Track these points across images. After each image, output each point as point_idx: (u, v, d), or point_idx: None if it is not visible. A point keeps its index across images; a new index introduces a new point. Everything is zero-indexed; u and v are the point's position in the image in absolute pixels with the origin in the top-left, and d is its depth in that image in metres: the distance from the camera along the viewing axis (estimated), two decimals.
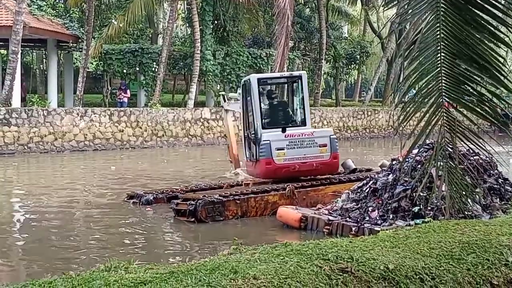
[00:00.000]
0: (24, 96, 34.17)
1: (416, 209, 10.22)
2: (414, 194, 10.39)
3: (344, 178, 14.40)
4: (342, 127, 39.04)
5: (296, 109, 15.50)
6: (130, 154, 27.92)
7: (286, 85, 15.82)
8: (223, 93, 19.23)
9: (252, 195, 12.90)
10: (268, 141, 13.91)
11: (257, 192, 13.06)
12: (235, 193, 12.90)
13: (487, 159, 10.62)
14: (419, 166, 10.79)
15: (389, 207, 10.58)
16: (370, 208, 10.88)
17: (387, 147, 33.85)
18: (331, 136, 14.45)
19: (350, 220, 10.83)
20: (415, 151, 10.23)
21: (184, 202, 12.61)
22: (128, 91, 34.65)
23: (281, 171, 13.94)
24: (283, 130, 14.16)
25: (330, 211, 11.62)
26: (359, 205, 11.24)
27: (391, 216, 10.43)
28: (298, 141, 14.05)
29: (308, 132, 14.39)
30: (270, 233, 11.79)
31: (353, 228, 10.36)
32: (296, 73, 16.51)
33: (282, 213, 12.00)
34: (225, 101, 18.21)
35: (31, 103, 28.52)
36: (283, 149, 13.94)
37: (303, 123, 14.97)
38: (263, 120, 14.69)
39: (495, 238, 5.15)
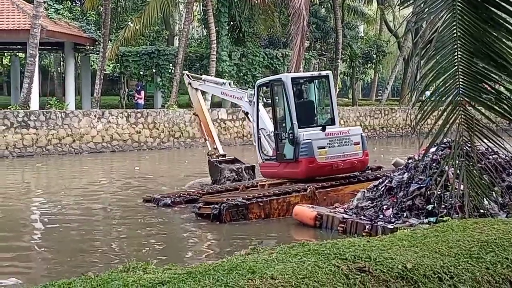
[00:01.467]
0: None
1: (430, 207, 10.20)
2: (428, 192, 10.37)
3: (363, 177, 14.38)
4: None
5: (323, 108, 15.56)
6: (148, 155, 28.03)
7: (312, 84, 15.72)
8: (186, 72, 19.14)
9: (274, 197, 12.90)
10: (310, 140, 13.84)
11: (279, 194, 13.05)
12: (258, 195, 12.90)
13: (507, 157, 10.55)
14: (434, 164, 10.76)
15: (404, 205, 10.58)
16: (384, 207, 10.89)
17: (405, 146, 33.70)
18: (362, 134, 14.64)
19: (364, 218, 10.84)
20: (432, 149, 10.18)
21: (207, 206, 12.62)
22: (142, 92, 34.76)
23: (324, 169, 13.98)
24: (323, 129, 14.18)
25: (346, 210, 11.63)
26: (374, 203, 11.24)
27: (405, 214, 10.42)
28: (338, 140, 14.12)
29: (345, 131, 14.59)
30: (288, 232, 11.81)
31: (367, 226, 10.39)
32: (323, 72, 16.51)
33: (298, 212, 12.04)
34: (190, 78, 18.17)
35: (49, 105, 28.72)
36: (324, 148, 13.97)
37: (332, 121, 14.97)
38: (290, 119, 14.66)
39: None
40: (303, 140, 13.86)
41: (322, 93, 15.69)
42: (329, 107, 15.29)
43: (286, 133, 14.30)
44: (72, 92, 33.91)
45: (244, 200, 12.50)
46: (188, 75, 18.46)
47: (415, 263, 4.42)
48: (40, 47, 28.52)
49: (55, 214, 13.71)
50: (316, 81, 15.75)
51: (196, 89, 18.13)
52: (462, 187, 6.52)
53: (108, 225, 12.62)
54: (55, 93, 40.96)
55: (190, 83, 18.16)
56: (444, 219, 8.37)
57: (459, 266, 4.55)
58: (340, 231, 10.77)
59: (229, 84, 16.92)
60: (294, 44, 29.10)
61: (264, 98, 16.75)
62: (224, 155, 17.23)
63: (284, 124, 14.58)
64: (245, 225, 12.14)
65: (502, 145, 5.92)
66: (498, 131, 6.06)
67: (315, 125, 14.60)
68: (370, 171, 15.33)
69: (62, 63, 42.74)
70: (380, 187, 11.57)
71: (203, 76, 19.83)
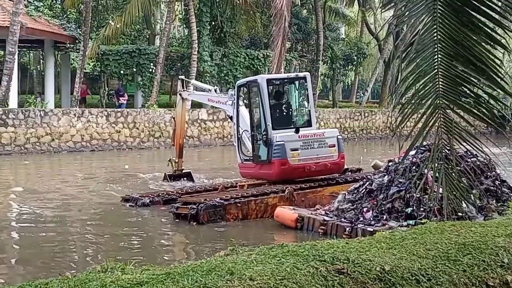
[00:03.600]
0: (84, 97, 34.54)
1: (409, 210, 10.28)
2: (408, 195, 10.45)
3: (341, 179, 14.43)
4: (339, 128, 38.95)
5: (302, 110, 15.55)
6: (127, 154, 27.91)
7: (289, 86, 15.76)
8: (182, 77, 18.99)
9: (252, 198, 12.89)
10: (283, 142, 13.87)
11: (257, 195, 13.05)
12: (236, 196, 12.89)
13: (485, 161, 10.65)
14: (413, 167, 10.84)
15: (383, 208, 10.65)
16: (365, 209, 10.96)
17: (384, 148, 33.86)
18: (338, 137, 14.58)
19: (344, 220, 10.90)
20: (411, 152, 10.26)
21: (185, 206, 12.59)
22: (125, 94, 34.60)
23: (296, 171, 13.99)
24: (297, 131, 14.16)
25: (327, 212, 11.67)
26: (355, 205, 11.31)
27: (384, 216, 10.49)
28: (311, 142, 14.11)
29: (319, 133, 14.56)
30: (268, 234, 11.81)
31: (347, 229, 10.45)
32: (301, 74, 16.52)
33: (279, 214, 12.05)
34: (183, 87, 18.14)
35: (27, 103, 28.50)
36: (297, 150, 13.96)
37: (309, 123, 14.97)
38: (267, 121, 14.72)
39: (491, 240, 5.15)
40: (276, 141, 13.93)
41: (300, 94, 15.70)
42: (307, 108, 15.25)
43: (261, 135, 14.37)
44: (51, 91, 33.63)
45: (222, 201, 12.48)
46: (183, 83, 18.30)
47: (393, 265, 4.43)
48: (19, 44, 28.27)
49: (32, 213, 13.59)
50: (296, 82, 15.79)
51: (183, 99, 18.03)
52: (441, 190, 6.57)
53: (85, 225, 12.53)
54: (34, 91, 40.60)
55: (180, 92, 18.09)
56: (423, 221, 8.44)
57: (436, 268, 4.58)
58: (320, 233, 10.81)
59: (215, 90, 16.96)
60: (275, 45, 29.17)
61: (244, 99, 16.78)
62: (181, 170, 17.78)
63: (259, 125, 14.62)
64: (224, 226, 12.12)
65: (481, 148, 5.97)
66: (476, 134, 6.10)
67: (292, 126, 14.59)
68: (349, 173, 15.39)
69: (41, 61, 42.43)
70: (360, 190, 11.63)
71: (192, 81, 19.80)
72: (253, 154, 14.72)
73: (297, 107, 15.73)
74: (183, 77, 19.03)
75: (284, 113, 15.09)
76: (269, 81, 14.85)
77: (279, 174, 14.07)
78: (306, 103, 15.27)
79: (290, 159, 13.87)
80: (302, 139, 14.04)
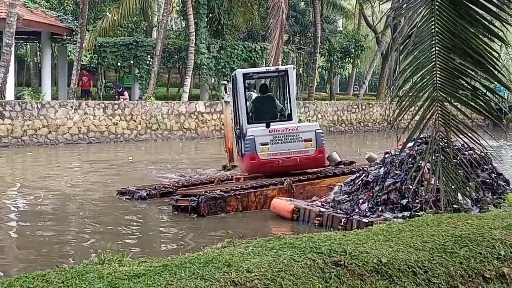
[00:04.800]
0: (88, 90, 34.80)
1: (404, 201, 10.31)
2: (403, 187, 10.48)
3: (339, 171, 14.44)
4: (336, 121, 39.10)
5: (283, 104, 15.49)
6: (124, 147, 27.89)
7: (276, 79, 15.75)
8: (225, 82, 18.85)
9: (252, 190, 12.92)
10: (253, 136, 13.95)
11: (256, 187, 13.07)
12: (236, 188, 12.91)
13: (482, 153, 10.67)
14: (410, 159, 10.86)
15: (379, 200, 10.69)
16: (360, 200, 10.99)
17: (381, 140, 33.90)
18: (317, 131, 14.27)
19: (340, 211, 10.92)
20: (409, 144, 10.27)
21: (185, 198, 12.59)
22: (125, 93, 34.54)
23: (265, 166, 14.02)
24: (267, 125, 14.13)
25: (323, 203, 11.71)
26: (351, 197, 11.34)
27: (380, 208, 10.52)
28: (282, 136, 14.02)
29: (292, 127, 14.30)
30: (265, 226, 11.83)
31: (342, 220, 10.46)
32: (282, 67, 16.39)
33: (276, 205, 12.07)
34: (226, 91, 18.04)
35: (23, 95, 28.45)
36: (267, 144, 13.97)
37: (289, 117, 14.90)
38: (252, 114, 14.80)
39: (487, 232, 5.17)
40: (248, 136, 14.04)
41: (281, 88, 15.67)
42: (288, 102, 15.13)
43: (238, 129, 14.56)
44: (48, 83, 33.54)
45: (222, 193, 12.50)
46: (225, 88, 17.90)
47: (390, 257, 4.45)
48: (16, 36, 28.15)
49: (29, 205, 13.59)
50: (276, 76, 15.73)
51: (226, 102, 17.86)
52: (437, 182, 6.58)
53: (83, 218, 12.52)
54: (31, 83, 40.52)
55: (223, 97, 18.11)
56: (419, 213, 8.46)
57: (433, 260, 4.59)
58: (316, 224, 10.85)
59: None
60: (272, 37, 29.09)
61: None
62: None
63: (238, 119, 14.80)
64: (221, 218, 12.13)
65: (478, 141, 5.98)
66: (473, 127, 6.12)
67: (270, 120, 14.52)
68: (343, 166, 15.42)
69: (38, 53, 42.32)
70: (357, 181, 11.66)
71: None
72: (237, 147, 14.99)
73: (280, 100, 15.63)
74: (225, 82, 18.91)
75: (266, 107, 15.08)
76: (245, 75, 14.87)
77: (250, 168, 14.25)
78: (288, 97, 15.11)
79: (259, 154, 13.92)
80: (272, 133, 14.02)
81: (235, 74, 14.89)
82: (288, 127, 14.29)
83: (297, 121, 15.60)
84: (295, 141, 14.04)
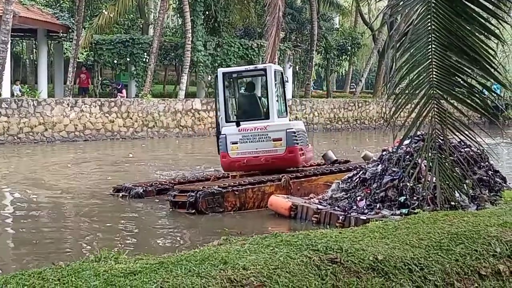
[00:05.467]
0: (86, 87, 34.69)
1: (402, 199, 10.32)
2: (401, 184, 10.49)
3: (336, 169, 14.44)
4: (333, 119, 39.14)
5: (262, 102, 15.41)
6: (120, 144, 27.87)
7: (251, 78, 15.77)
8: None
9: (249, 186, 12.93)
10: (225, 135, 14.15)
11: (254, 183, 13.08)
12: (234, 184, 12.92)
13: (478, 151, 10.69)
14: (407, 157, 10.88)
15: (377, 197, 10.69)
16: (358, 198, 10.99)
17: (378, 138, 33.94)
18: (288, 130, 14.05)
19: (338, 209, 10.93)
20: (406, 142, 10.29)
21: (183, 194, 12.59)
22: (123, 90, 34.51)
23: (235, 164, 14.13)
24: (237, 124, 14.21)
25: (321, 201, 11.71)
26: (348, 194, 11.34)
27: (378, 205, 10.53)
28: (251, 135, 14.06)
29: (261, 126, 14.20)
30: (262, 223, 11.83)
31: (340, 217, 10.47)
32: (260, 65, 16.35)
33: (273, 202, 12.06)
34: None
35: (21, 93, 28.41)
36: (236, 143, 14.08)
37: (267, 116, 14.71)
38: (233, 113, 14.91)
39: (483, 229, 5.17)
40: (221, 134, 14.26)
41: (261, 87, 15.65)
42: (268, 101, 14.91)
43: (218, 127, 14.71)
44: (44, 80, 33.50)
45: (220, 189, 12.50)
46: None
47: (386, 255, 4.45)
48: (12, 33, 28.12)
49: (25, 202, 13.57)
50: (256, 75, 15.69)
51: None
52: (434, 179, 6.59)
53: (79, 215, 12.51)
54: (27, 80, 40.44)
55: None
56: (416, 211, 8.47)
57: (429, 257, 4.60)
58: (314, 221, 10.84)
59: None
60: (269, 34, 28.99)
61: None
62: None
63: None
64: (219, 216, 12.13)
65: (474, 138, 5.99)
66: (470, 125, 6.13)
67: (248, 119, 14.53)
68: (338, 164, 15.44)
69: (34, 50, 42.22)
70: (354, 179, 11.66)
71: None
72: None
73: (257, 99, 15.46)
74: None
75: (247, 106, 15.06)
76: (225, 74, 14.92)
77: (224, 166, 14.46)
78: (266, 95, 14.90)
79: (230, 152, 14.08)
80: (242, 132, 14.08)
81: (216, 73, 14.96)
82: (257, 126, 14.22)
83: (288, 119, 15.57)
84: (264, 141, 14.03)
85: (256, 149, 14.00)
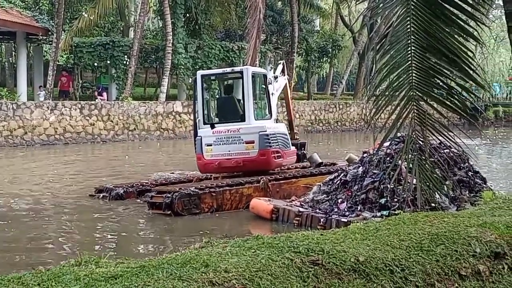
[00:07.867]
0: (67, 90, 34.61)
1: (383, 200, 10.36)
2: (382, 186, 10.53)
3: (316, 171, 14.46)
4: (314, 120, 39.23)
5: (239, 105, 15.34)
6: (101, 148, 27.72)
7: (229, 81, 15.79)
8: (282, 61, 18.19)
9: (227, 187, 12.91)
10: (200, 137, 14.24)
11: (232, 185, 13.07)
12: (211, 185, 12.90)
13: (458, 152, 10.76)
14: (388, 158, 10.92)
15: (358, 199, 10.73)
16: (339, 200, 11.02)
17: (359, 140, 34.06)
18: (261, 133, 13.99)
19: (319, 211, 10.95)
20: (386, 144, 10.34)
21: (159, 195, 12.56)
22: (105, 93, 34.28)
23: (210, 166, 14.20)
24: (212, 126, 14.25)
25: (302, 203, 11.72)
26: (330, 197, 11.37)
27: (359, 207, 10.57)
28: (224, 138, 14.11)
29: (234, 129, 14.21)
30: (244, 226, 11.82)
31: (321, 220, 10.49)
32: (237, 68, 16.33)
33: (255, 205, 12.06)
34: (283, 73, 17.17)
35: None
36: (210, 145, 14.14)
37: (242, 118, 14.57)
38: (211, 115, 14.94)
39: (463, 230, 5.20)
40: (197, 136, 14.38)
41: (239, 89, 15.64)
42: (245, 103, 14.71)
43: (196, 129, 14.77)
44: (24, 83, 33.20)
45: (196, 190, 12.48)
46: (283, 69, 17.17)
47: (367, 256, 4.46)
48: None
49: (3, 207, 13.44)
50: (236, 77, 15.67)
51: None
52: (414, 181, 6.62)
53: (59, 218, 12.43)
54: (6, 83, 40.08)
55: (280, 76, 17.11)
56: (396, 212, 8.51)
57: (410, 258, 4.61)
58: (295, 224, 10.85)
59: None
60: (250, 37, 29.06)
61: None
62: (297, 139, 17.18)
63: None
64: (199, 218, 12.11)
65: (454, 140, 6.03)
66: (449, 126, 6.16)
67: (224, 121, 14.57)
68: (324, 167, 15.44)
69: (14, 53, 41.85)
70: (335, 181, 11.69)
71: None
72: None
73: (235, 101, 15.24)
74: (283, 61, 18.33)
75: (225, 108, 15.06)
76: (203, 77, 14.96)
77: (199, 168, 14.57)
78: (243, 98, 14.73)
79: (204, 154, 14.17)
80: (215, 134, 14.16)
81: (195, 76, 14.97)
82: (230, 128, 14.24)
83: (273, 120, 15.51)
84: (236, 143, 14.07)
85: (229, 151, 14.04)
